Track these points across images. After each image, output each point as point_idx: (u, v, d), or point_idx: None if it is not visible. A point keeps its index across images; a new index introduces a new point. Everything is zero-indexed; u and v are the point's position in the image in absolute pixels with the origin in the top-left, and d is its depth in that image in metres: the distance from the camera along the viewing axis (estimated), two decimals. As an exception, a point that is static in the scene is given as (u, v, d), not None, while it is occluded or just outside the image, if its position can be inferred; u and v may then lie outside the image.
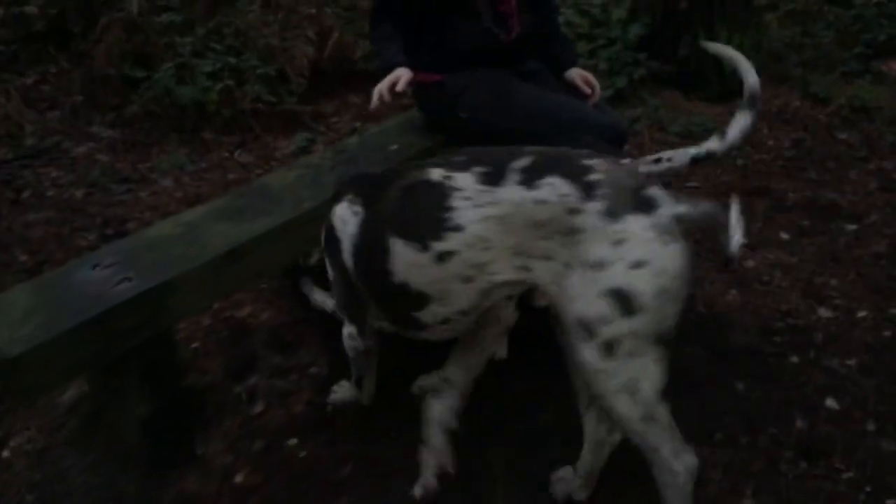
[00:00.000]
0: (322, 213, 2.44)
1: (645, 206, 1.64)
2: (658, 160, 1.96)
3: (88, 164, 3.85)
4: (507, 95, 2.69)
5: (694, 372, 2.49)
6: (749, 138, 4.13)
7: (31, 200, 3.54)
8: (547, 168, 1.71)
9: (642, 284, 1.60)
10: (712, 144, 1.98)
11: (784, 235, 3.30)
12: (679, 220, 1.64)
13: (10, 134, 4.00)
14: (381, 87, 2.52)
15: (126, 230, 3.29)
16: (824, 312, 2.78)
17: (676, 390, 1.71)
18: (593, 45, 4.80)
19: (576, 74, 2.82)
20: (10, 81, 4.51)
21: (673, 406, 1.69)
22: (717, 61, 4.57)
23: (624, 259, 1.61)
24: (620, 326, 1.62)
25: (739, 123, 2.01)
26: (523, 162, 1.74)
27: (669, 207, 1.65)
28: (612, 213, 1.62)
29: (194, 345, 2.68)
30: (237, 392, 2.53)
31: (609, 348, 1.64)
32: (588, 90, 2.79)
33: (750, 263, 3.09)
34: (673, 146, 3.94)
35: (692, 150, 1.96)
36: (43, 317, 1.97)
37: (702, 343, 2.63)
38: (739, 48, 4.50)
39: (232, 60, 4.37)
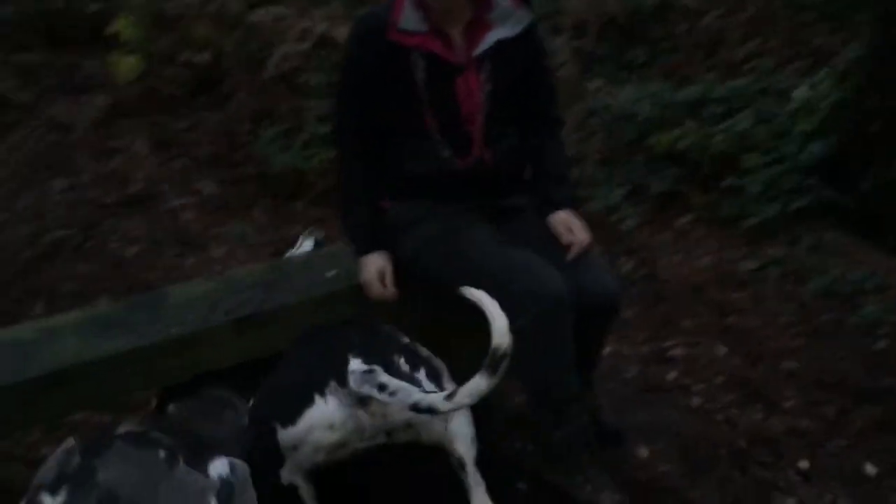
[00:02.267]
0: (195, 341, 2.16)
1: None
2: (383, 387, 1.84)
3: (169, 220, 3.87)
4: (453, 241, 2.21)
5: None
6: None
7: (90, 250, 3.61)
8: None
9: None
10: (436, 400, 1.82)
11: None
12: None
13: (123, 178, 4.16)
14: (376, 290, 2.22)
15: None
16: None
17: None
18: (766, 159, 3.96)
19: (558, 221, 2.25)
20: (164, 125, 4.72)
21: None
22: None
23: None
24: None
25: (472, 385, 1.79)
26: None
27: None
28: None
29: None
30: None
31: None
32: (568, 240, 2.20)
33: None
34: (804, 308, 3.13)
35: (416, 396, 1.82)
36: None
37: None
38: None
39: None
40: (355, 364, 1.90)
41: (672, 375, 2.85)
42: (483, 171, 2.23)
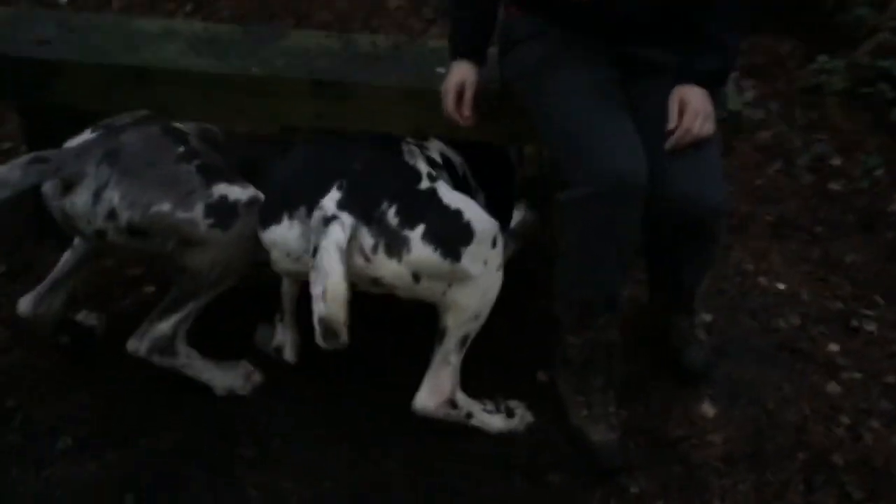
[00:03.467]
0: (269, 87, 2.08)
1: None
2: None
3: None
4: (545, 77, 1.83)
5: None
6: None
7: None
8: None
9: None
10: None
11: None
12: None
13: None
14: (449, 103, 1.86)
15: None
16: None
17: None
18: None
19: (676, 97, 1.72)
20: None
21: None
22: None
23: None
24: None
25: None
26: None
27: None
28: None
29: None
30: None
31: None
32: (672, 123, 1.70)
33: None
34: None
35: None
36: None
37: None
38: None
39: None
40: (330, 199, 1.63)
41: (833, 348, 2.19)
42: (614, 11, 1.74)
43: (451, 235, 1.66)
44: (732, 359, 2.12)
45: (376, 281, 1.66)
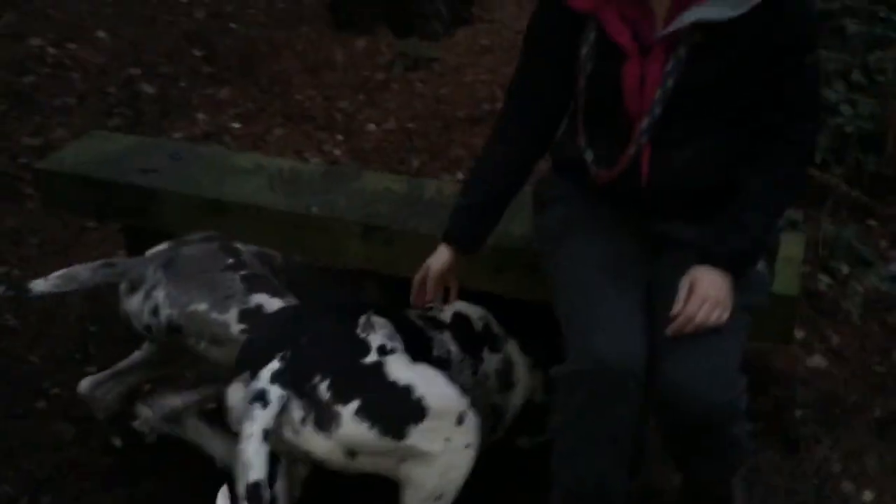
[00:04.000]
0: (323, 228, 2.17)
1: None
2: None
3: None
4: (560, 242, 1.77)
5: None
6: None
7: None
8: None
9: None
10: None
11: None
12: None
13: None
14: (413, 288, 1.85)
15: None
16: None
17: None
18: None
19: (688, 279, 1.59)
20: None
21: None
22: None
23: None
24: None
25: None
26: None
27: None
28: None
29: None
30: None
31: None
32: (677, 308, 1.56)
33: None
34: None
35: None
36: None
37: None
38: None
39: None
40: (267, 370, 1.58)
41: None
42: (633, 187, 1.66)
43: (393, 411, 1.58)
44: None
45: (307, 454, 1.61)
